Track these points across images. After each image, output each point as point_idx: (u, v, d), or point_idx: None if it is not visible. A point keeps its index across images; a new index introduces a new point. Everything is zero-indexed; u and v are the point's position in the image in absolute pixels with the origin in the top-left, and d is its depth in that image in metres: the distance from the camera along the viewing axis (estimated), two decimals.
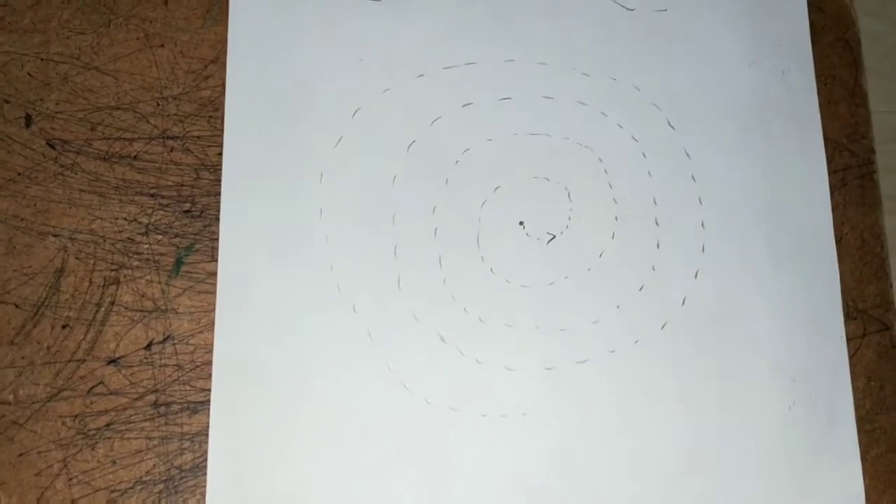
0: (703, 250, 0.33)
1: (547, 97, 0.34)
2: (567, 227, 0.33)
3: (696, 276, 0.33)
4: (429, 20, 0.35)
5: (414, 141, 0.33)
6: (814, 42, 0.38)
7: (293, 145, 0.33)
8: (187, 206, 0.32)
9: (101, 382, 0.30)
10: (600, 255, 0.33)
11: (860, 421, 0.33)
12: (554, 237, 0.33)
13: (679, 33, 0.36)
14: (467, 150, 0.33)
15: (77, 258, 0.31)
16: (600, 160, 0.34)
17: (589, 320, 0.32)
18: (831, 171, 0.36)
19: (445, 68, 0.34)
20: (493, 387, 0.31)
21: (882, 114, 0.38)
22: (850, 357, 0.34)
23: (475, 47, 0.35)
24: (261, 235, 0.31)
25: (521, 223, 0.33)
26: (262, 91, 0.33)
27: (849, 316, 0.34)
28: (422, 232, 0.32)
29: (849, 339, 0.34)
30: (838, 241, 0.35)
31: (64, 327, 0.31)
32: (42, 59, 0.33)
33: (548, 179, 0.34)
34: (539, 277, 0.32)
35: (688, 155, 0.34)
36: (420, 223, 0.32)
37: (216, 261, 0.31)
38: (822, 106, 0.37)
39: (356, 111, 0.33)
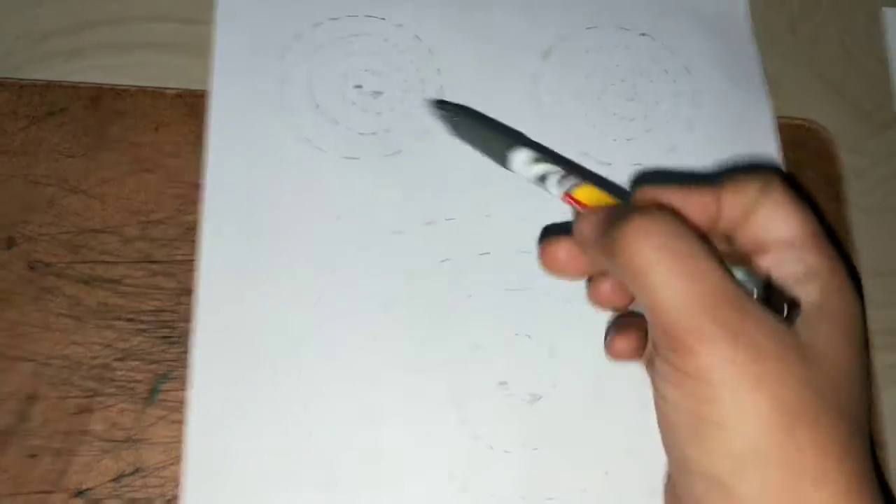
0: None
1: (525, 252, 0.34)
2: (552, 386, 0.32)
3: None
4: (407, 177, 0.35)
5: (393, 299, 0.33)
6: (796, 178, 0.38)
7: (269, 305, 0.32)
8: (166, 331, 0.32)
9: None
10: (586, 418, 0.32)
11: None
12: (538, 398, 0.32)
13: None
14: (446, 307, 0.33)
15: (50, 384, 0.30)
16: (582, 316, 0.33)
17: (577, 489, 0.31)
18: None
19: (424, 224, 0.34)
20: None
21: (867, 248, 0.38)
22: None
23: (453, 203, 0.34)
24: (231, 403, 0.31)
25: (502, 383, 0.32)
26: (237, 248, 0.33)
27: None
28: (401, 395, 0.31)
29: None
30: None
31: (31, 456, 0.29)
32: (29, 181, 0.33)
33: (529, 337, 0.33)
34: (523, 442, 0.31)
35: None
36: (400, 385, 0.31)
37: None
38: None
39: (334, 269, 0.33)
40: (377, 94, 0.36)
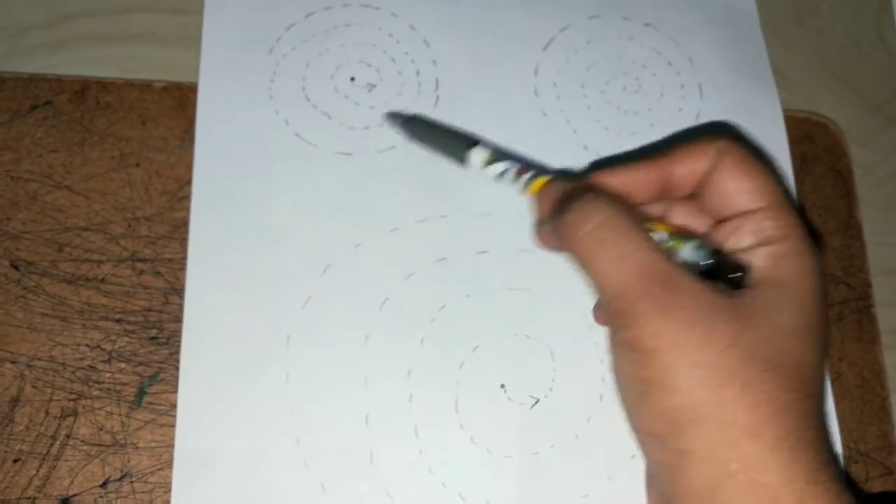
0: None
1: (524, 250, 0.33)
2: (551, 389, 0.31)
3: None
4: (401, 172, 0.34)
5: (387, 299, 0.32)
6: (805, 173, 0.37)
7: (258, 306, 0.31)
8: (154, 332, 0.31)
9: None
10: (588, 421, 0.31)
11: None
12: (538, 401, 0.31)
13: None
14: (443, 307, 0.32)
15: (34, 386, 0.30)
16: (583, 316, 0.32)
17: (578, 494, 0.30)
18: (828, 305, 0.34)
19: (419, 222, 0.33)
20: None
21: (877, 245, 0.37)
22: None
23: (449, 200, 0.33)
24: (221, 406, 0.30)
25: (502, 386, 0.31)
26: (226, 247, 0.32)
27: (850, 459, 0.33)
28: (396, 398, 0.30)
29: None
30: (836, 378, 0.34)
31: (15, 461, 0.29)
32: (12, 177, 0.32)
33: (529, 337, 0.32)
34: (523, 447, 0.30)
35: None
36: (394, 388, 0.30)
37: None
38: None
39: (326, 268, 0.32)
40: (371, 86, 0.35)
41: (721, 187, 0.27)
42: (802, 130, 0.38)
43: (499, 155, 0.31)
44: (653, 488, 0.29)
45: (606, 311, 0.26)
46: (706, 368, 0.24)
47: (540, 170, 0.30)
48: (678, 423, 0.24)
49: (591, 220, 0.26)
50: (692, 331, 0.24)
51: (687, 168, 0.28)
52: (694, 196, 0.29)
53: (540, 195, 0.29)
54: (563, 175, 0.29)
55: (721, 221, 0.28)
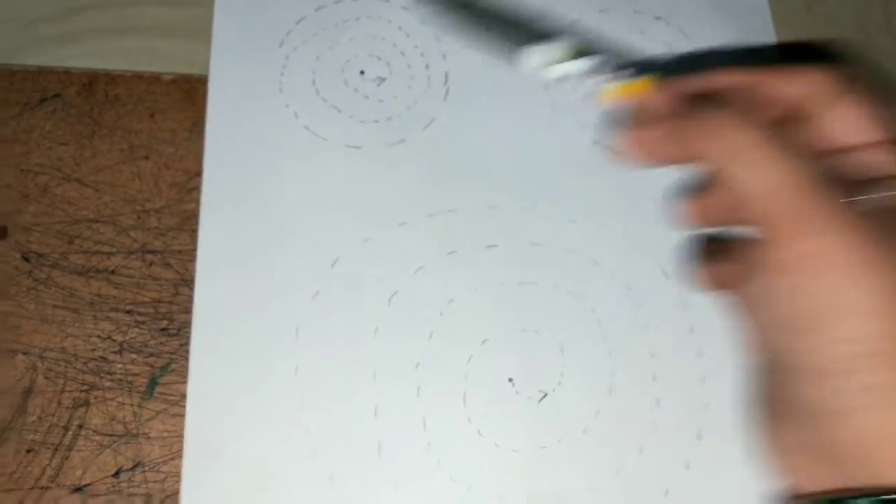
0: (705, 408, 0.31)
1: (534, 244, 0.33)
2: (559, 383, 0.31)
3: (699, 437, 0.31)
4: (410, 166, 0.34)
5: (396, 292, 0.32)
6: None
7: (267, 299, 0.31)
8: (164, 323, 0.31)
9: None
10: (596, 415, 0.31)
11: None
12: (546, 395, 0.31)
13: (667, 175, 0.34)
14: (452, 301, 0.32)
15: (46, 377, 0.30)
16: (593, 311, 0.32)
17: (585, 488, 0.30)
18: None
19: (428, 216, 0.33)
20: None
21: None
22: None
23: (458, 194, 0.33)
24: (230, 397, 0.30)
25: (510, 380, 0.31)
26: (235, 240, 0.32)
27: None
28: (404, 391, 0.30)
29: None
30: None
31: (28, 451, 0.29)
32: (22, 170, 0.32)
33: (538, 332, 0.32)
34: (530, 440, 0.30)
35: (684, 305, 0.32)
36: (403, 381, 0.30)
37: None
38: None
39: (335, 261, 0.32)
40: (380, 80, 0.35)
41: (842, 119, 0.25)
42: None
43: (576, 51, 0.28)
44: (791, 449, 0.25)
45: (762, 229, 0.23)
46: (888, 296, 0.21)
47: (632, 66, 0.27)
48: (848, 356, 0.21)
49: (745, 125, 0.23)
50: (868, 251, 0.21)
51: (808, 89, 0.25)
52: (787, 119, 0.26)
53: (647, 95, 0.27)
54: (658, 70, 0.27)
55: (832, 149, 0.25)
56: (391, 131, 0.34)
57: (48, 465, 0.29)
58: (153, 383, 0.30)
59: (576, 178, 0.34)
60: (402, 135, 0.34)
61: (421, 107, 0.35)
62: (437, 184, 0.33)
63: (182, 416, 0.30)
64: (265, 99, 0.34)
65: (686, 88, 0.27)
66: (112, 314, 0.31)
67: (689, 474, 0.30)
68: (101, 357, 0.30)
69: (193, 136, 0.34)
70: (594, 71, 0.27)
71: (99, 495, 0.29)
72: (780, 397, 0.25)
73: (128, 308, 0.31)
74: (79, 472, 0.29)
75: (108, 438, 0.30)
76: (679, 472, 0.30)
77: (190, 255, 0.32)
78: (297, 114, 0.34)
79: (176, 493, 0.29)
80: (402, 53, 0.36)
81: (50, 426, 0.29)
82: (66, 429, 0.30)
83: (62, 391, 0.30)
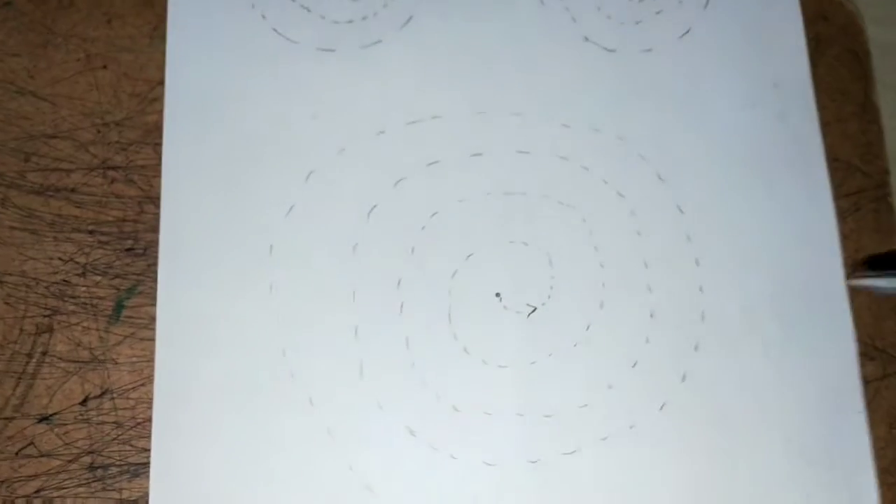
0: (702, 318, 0.30)
1: (522, 151, 0.32)
2: (549, 297, 0.30)
3: (696, 349, 0.30)
4: (389, 71, 0.32)
5: (375, 206, 0.31)
6: (819, 55, 0.35)
7: (238, 215, 0.30)
8: (129, 242, 0.30)
9: (31, 443, 0.28)
10: (587, 328, 0.30)
11: (882, 473, 0.30)
12: (535, 309, 0.30)
13: (666, 76, 0.33)
14: (435, 213, 0.31)
15: (6, 303, 0.29)
16: (584, 220, 0.31)
17: (577, 404, 0.29)
18: (843, 195, 0.33)
19: (408, 123, 0.32)
20: (470, 486, 0.28)
21: (895, 130, 0.36)
22: (869, 402, 0.31)
23: (441, 99, 0.32)
24: (202, 320, 0.29)
25: (497, 295, 0.30)
26: (203, 153, 0.31)
27: (866, 356, 0.31)
28: (386, 309, 0.29)
29: (867, 382, 0.31)
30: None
31: None
32: None
33: (526, 244, 0.31)
34: (519, 356, 0.29)
35: (681, 210, 0.31)
36: (384, 299, 0.30)
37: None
38: (830, 124, 0.34)
39: (309, 174, 0.31)
40: None
41: None
42: (816, 9, 0.36)
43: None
44: None
45: None
46: None
47: None
48: None
49: None
50: None
51: None
52: None
53: None
54: None
55: None
56: (366, 31, 0.32)
57: (12, 394, 0.29)
58: (119, 306, 0.29)
59: (566, 80, 0.32)
60: (379, 35, 0.32)
61: (398, 3, 0.33)
62: (418, 88, 0.32)
63: (151, 339, 0.29)
64: None
65: None
66: (74, 235, 0.30)
67: (685, 387, 0.30)
68: (64, 280, 0.30)
69: (154, 42, 0.32)
70: None
71: (66, 424, 0.28)
72: None
73: (90, 228, 0.30)
74: (44, 401, 0.29)
75: (73, 365, 0.29)
76: (675, 384, 0.30)
77: (154, 170, 0.31)
78: (264, 15, 0.32)
79: (147, 420, 0.29)
80: None
81: (12, 354, 0.29)
82: (29, 356, 0.29)
83: (24, 317, 0.29)
